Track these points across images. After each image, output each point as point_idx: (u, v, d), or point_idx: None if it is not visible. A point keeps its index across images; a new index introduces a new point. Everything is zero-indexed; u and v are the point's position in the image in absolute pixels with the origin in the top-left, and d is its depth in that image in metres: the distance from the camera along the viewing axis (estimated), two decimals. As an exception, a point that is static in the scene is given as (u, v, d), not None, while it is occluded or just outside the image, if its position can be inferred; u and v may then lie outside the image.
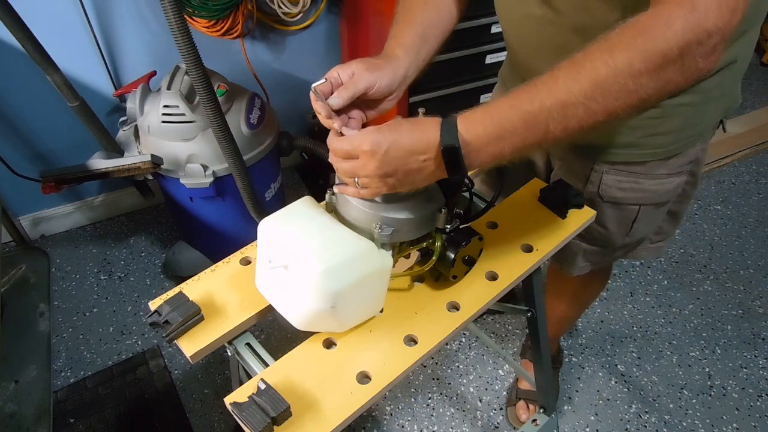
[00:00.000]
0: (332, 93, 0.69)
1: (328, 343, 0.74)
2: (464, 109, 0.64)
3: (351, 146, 0.65)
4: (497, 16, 0.92)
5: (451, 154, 0.62)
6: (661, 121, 0.85)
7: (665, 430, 1.53)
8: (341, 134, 0.67)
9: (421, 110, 0.80)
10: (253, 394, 0.65)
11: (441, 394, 1.61)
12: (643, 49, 0.56)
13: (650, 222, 1.03)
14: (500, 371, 1.66)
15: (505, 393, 1.61)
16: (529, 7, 0.81)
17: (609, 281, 1.49)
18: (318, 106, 0.68)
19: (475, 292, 0.80)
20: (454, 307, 0.79)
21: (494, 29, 1.71)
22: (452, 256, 0.75)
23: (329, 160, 0.69)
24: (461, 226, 0.78)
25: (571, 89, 0.59)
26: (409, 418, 1.55)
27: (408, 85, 0.79)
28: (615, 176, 0.94)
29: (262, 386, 0.66)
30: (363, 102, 0.74)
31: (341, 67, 0.70)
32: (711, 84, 0.82)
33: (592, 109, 0.59)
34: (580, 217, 0.91)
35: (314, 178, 2.23)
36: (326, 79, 0.69)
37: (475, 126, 0.62)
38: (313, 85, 0.68)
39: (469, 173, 0.66)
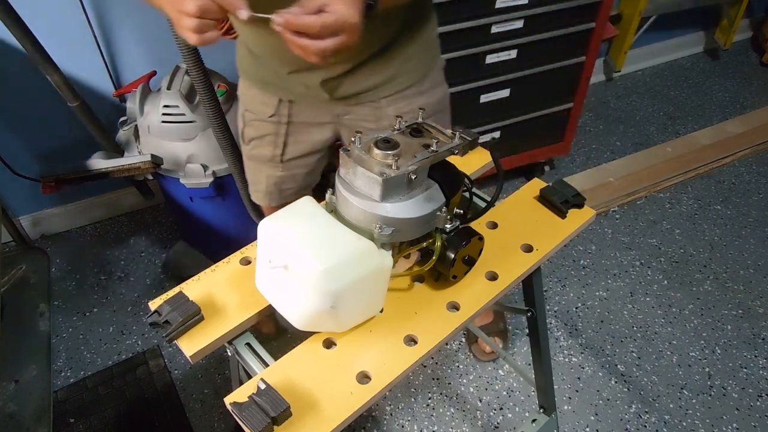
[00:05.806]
0: None
1: (328, 343, 0.74)
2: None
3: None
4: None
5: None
6: (413, 49, 1.03)
7: (665, 430, 1.53)
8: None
9: (421, 110, 0.80)
10: (253, 394, 0.65)
11: (441, 394, 1.61)
12: None
13: None
14: (500, 371, 1.66)
15: (505, 393, 1.61)
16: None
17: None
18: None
19: (475, 292, 0.80)
20: (454, 307, 0.79)
21: (494, 29, 1.71)
22: (452, 256, 0.75)
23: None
24: (461, 226, 0.78)
25: None
26: (409, 418, 1.55)
27: None
28: (396, 105, 1.08)
29: (262, 386, 0.66)
30: None
31: None
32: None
33: None
34: (580, 217, 0.91)
35: (314, 178, 2.23)
36: None
37: None
38: None
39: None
